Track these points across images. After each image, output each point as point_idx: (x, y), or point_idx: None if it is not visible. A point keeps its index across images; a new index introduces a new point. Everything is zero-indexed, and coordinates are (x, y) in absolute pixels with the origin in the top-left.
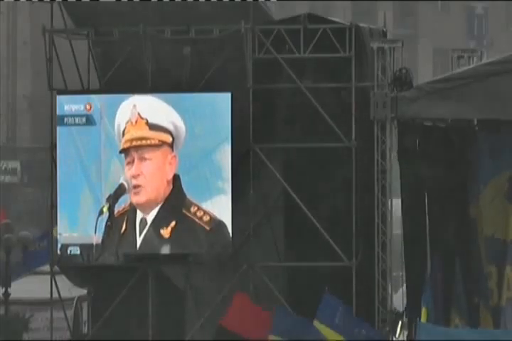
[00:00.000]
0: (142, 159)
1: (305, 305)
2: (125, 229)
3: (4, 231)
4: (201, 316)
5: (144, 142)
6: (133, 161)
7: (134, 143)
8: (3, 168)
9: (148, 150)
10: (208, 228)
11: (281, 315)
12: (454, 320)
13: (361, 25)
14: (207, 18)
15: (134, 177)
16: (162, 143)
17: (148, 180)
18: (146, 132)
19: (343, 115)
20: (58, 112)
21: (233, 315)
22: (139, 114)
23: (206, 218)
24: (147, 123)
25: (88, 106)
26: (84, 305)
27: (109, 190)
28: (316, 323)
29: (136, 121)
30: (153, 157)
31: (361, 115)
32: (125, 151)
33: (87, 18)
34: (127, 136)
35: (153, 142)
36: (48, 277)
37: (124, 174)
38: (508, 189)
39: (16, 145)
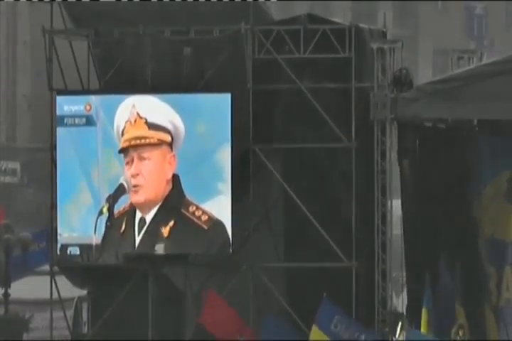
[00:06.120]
0: (141, 158)
1: (305, 305)
2: (124, 229)
3: (4, 231)
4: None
5: (142, 141)
6: (132, 161)
7: (133, 142)
8: (2, 169)
9: (147, 150)
10: (205, 227)
11: (269, 326)
12: (457, 320)
13: (361, 25)
14: (207, 18)
15: (133, 176)
16: (161, 143)
17: (148, 180)
18: (145, 131)
19: (343, 115)
20: (58, 112)
21: (208, 313)
22: (137, 113)
23: (204, 217)
24: (146, 122)
25: (88, 107)
26: (84, 305)
27: (108, 191)
28: (315, 329)
29: (135, 121)
30: (152, 156)
31: (361, 115)
32: (124, 151)
33: (86, 19)
34: (126, 136)
35: (152, 141)
36: (48, 277)
37: (123, 174)
38: (507, 189)
39: (16, 145)
